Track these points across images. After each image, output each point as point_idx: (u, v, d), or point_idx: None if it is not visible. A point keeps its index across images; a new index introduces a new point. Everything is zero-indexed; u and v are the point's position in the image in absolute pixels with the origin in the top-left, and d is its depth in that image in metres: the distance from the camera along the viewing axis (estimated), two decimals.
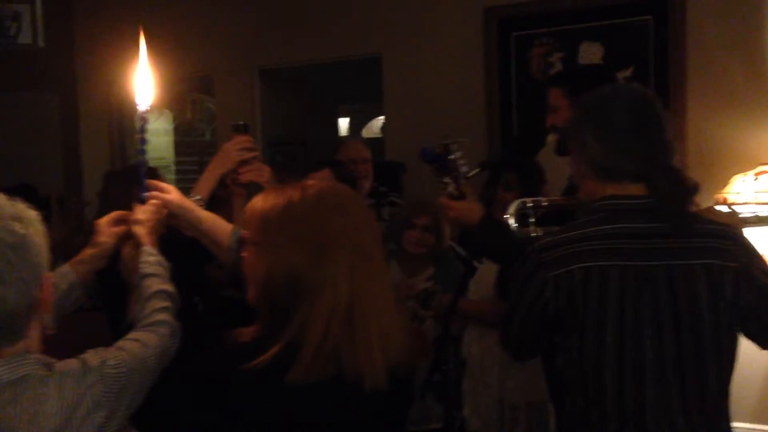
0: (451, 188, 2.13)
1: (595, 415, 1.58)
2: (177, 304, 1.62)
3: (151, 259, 1.68)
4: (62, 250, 2.03)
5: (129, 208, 1.81)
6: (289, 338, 1.28)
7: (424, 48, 4.23)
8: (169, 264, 1.71)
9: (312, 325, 1.28)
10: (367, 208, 1.48)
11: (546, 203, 2.08)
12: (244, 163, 2.26)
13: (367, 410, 1.34)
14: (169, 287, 1.64)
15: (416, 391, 2.14)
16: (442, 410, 2.77)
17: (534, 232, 1.95)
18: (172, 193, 1.87)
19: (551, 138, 3.00)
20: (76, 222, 3.33)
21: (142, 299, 1.58)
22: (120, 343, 1.40)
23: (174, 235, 1.92)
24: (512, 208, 1.99)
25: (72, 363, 1.27)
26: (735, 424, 1.63)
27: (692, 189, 1.59)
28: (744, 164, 3.27)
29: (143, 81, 1.85)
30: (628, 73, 3.71)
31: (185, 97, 5.40)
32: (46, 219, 1.33)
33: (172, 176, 5.32)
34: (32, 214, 1.28)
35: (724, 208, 1.83)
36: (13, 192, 1.30)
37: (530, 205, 2.01)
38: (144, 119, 1.84)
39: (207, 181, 2.23)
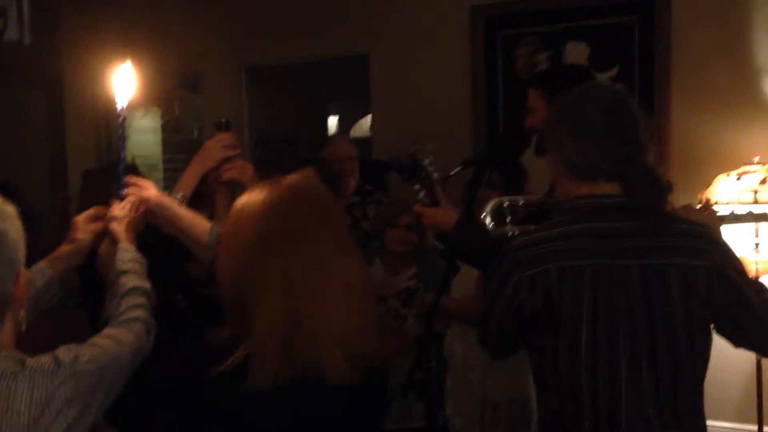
0: (422, 195, 2.13)
1: (569, 415, 1.58)
2: (153, 300, 1.62)
3: (126, 255, 1.67)
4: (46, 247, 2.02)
5: (108, 205, 1.81)
6: (248, 341, 1.30)
7: (412, 46, 4.23)
8: (146, 261, 1.71)
9: (261, 327, 1.29)
10: (332, 207, 1.47)
11: (523, 202, 2.09)
12: (227, 160, 2.26)
13: (334, 405, 1.35)
14: (145, 284, 1.63)
15: (398, 389, 2.14)
16: (424, 409, 2.77)
17: (510, 231, 1.95)
18: (150, 190, 1.86)
19: (535, 138, 3.01)
20: (62, 219, 3.32)
21: (118, 296, 1.58)
22: (94, 339, 1.39)
23: (153, 232, 1.91)
24: (489, 207, 2.00)
25: (44, 359, 1.26)
26: (719, 423, 1.64)
27: (666, 188, 1.60)
28: (727, 164, 3.29)
29: (123, 78, 1.85)
30: (613, 72, 3.73)
31: (173, 95, 5.37)
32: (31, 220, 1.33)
33: (161, 174, 5.28)
34: (10, 209, 1.27)
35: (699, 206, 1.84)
36: None
37: (507, 204, 2.02)
38: (123, 116, 1.83)
39: (189, 178, 2.22)
